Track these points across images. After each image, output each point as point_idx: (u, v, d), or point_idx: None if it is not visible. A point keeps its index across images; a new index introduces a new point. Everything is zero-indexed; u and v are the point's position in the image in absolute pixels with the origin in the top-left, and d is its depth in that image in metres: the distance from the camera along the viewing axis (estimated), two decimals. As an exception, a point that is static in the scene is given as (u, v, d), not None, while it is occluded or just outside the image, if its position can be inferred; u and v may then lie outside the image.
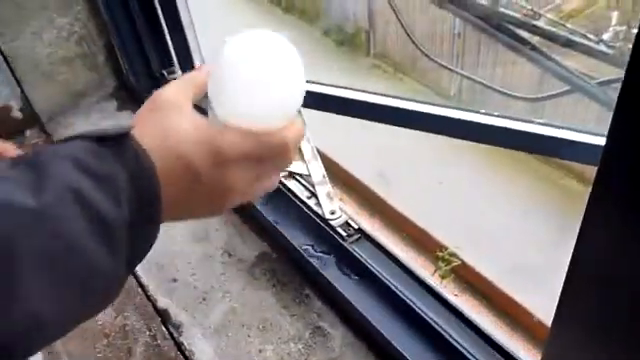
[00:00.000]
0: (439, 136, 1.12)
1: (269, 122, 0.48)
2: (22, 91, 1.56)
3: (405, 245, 2.01)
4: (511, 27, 2.59)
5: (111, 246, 0.41)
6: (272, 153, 0.48)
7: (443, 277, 1.85)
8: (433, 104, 1.15)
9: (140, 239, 0.43)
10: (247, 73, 0.47)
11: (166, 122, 0.46)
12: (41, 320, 0.39)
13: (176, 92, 0.49)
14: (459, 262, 1.87)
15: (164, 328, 1.12)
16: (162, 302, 1.14)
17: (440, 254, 1.84)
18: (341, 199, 2.77)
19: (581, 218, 0.49)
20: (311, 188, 1.26)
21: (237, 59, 0.48)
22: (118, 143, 0.43)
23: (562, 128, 1.03)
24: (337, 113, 1.29)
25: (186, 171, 0.45)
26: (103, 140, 0.42)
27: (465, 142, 1.13)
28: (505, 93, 4.28)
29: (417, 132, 1.16)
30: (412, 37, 4.09)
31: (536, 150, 1.17)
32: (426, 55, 4.91)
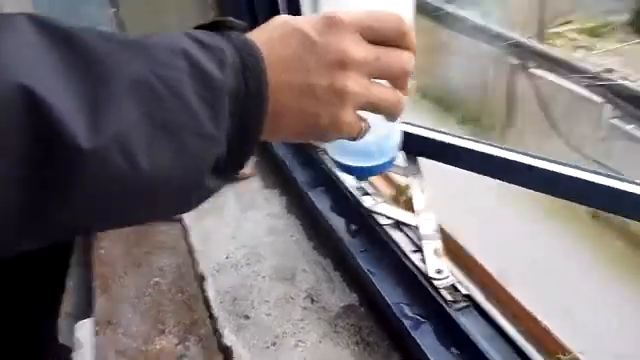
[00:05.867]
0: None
1: None
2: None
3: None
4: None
5: (213, 109, 0.38)
6: (386, 28, 0.47)
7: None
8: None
9: (244, 113, 0.41)
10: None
11: (278, 20, 0.48)
12: (128, 146, 0.34)
13: None
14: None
15: (223, 368, 0.98)
16: (228, 339, 1.01)
17: (562, 357, 1.55)
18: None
19: None
20: (417, 242, 1.09)
21: None
22: (228, 29, 0.44)
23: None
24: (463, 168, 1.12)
25: (301, 38, 0.45)
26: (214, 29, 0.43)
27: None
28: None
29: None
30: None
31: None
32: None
